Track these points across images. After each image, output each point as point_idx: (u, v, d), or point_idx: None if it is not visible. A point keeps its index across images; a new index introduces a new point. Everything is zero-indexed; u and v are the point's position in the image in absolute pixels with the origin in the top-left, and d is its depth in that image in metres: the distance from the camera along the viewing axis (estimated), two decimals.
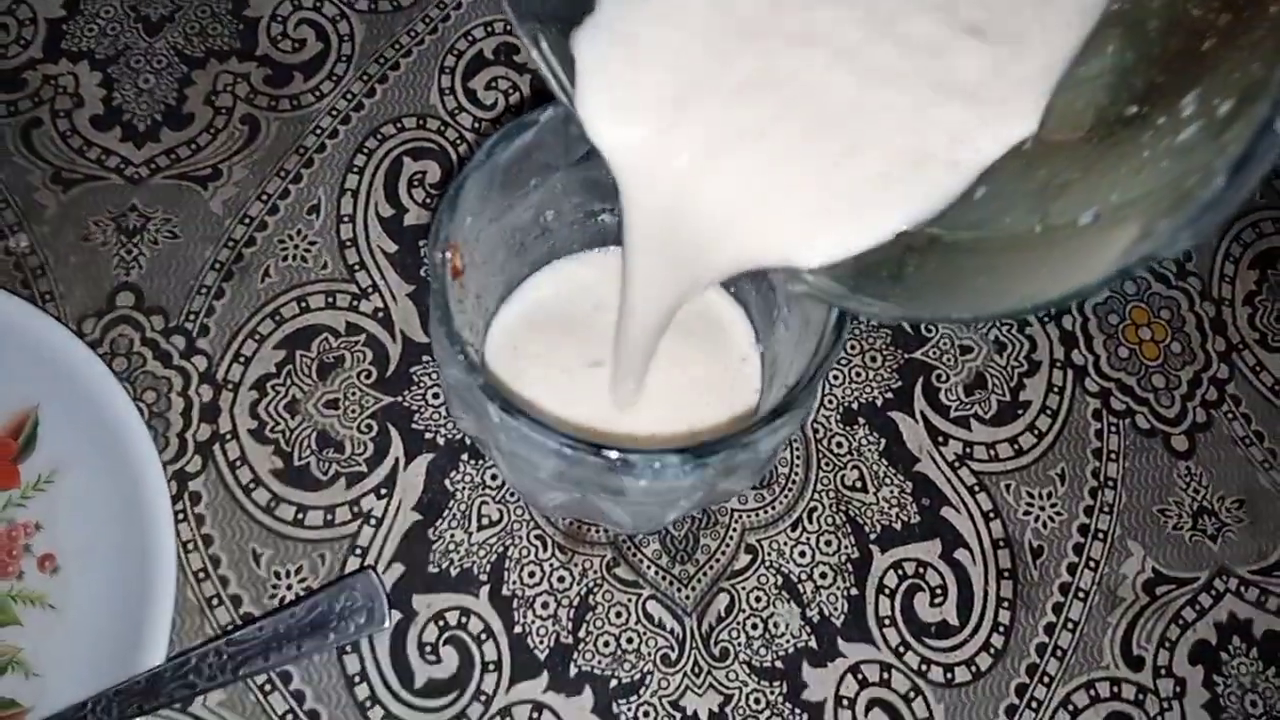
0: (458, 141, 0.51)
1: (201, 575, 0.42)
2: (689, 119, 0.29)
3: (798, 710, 0.42)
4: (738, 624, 0.43)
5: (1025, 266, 0.25)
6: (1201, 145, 0.21)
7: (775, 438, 0.31)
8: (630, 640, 0.42)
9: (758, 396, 0.40)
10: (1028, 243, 0.26)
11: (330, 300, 0.47)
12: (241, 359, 0.45)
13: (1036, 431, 0.47)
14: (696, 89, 0.28)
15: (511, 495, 0.44)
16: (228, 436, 0.44)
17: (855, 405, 0.47)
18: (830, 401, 0.47)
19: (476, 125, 0.51)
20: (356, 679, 0.41)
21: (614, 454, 0.30)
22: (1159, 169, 0.22)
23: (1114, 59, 0.26)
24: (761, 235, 0.29)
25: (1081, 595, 0.45)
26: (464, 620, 0.42)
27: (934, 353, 0.48)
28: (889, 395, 0.47)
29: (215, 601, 0.42)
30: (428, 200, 0.49)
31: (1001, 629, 0.44)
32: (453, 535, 0.43)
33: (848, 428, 0.46)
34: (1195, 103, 0.22)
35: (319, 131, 0.50)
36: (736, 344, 0.41)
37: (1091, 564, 0.45)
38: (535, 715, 0.41)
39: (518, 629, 0.42)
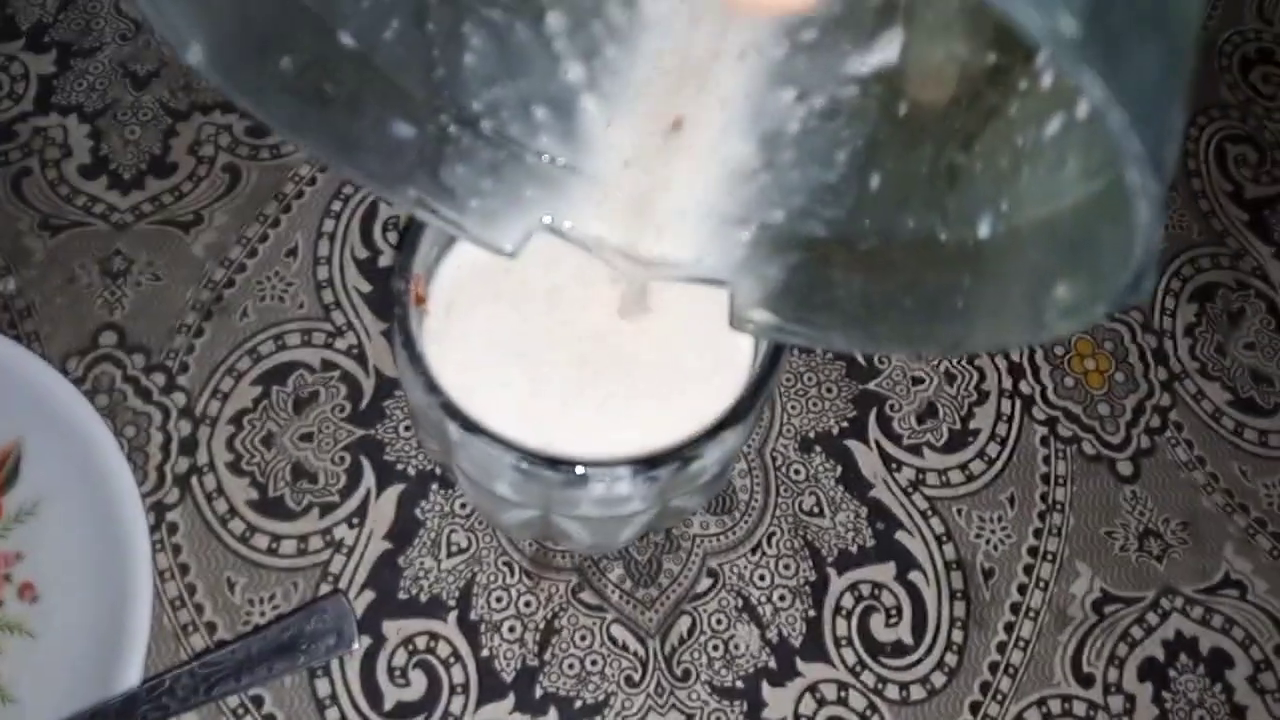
0: None
1: (178, 603, 0.43)
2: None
3: None
4: (699, 645, 0.44)
5: (946, 293, 0.27)
6: (1074, 177, 0.23)
7: (721, 449, 0.33)
8: (595, 662, 0.43)
9: None
10: (939, 257, 0.28)
11: (306, 338, 0.49)
12: (220, 395, 0.47)
13: (986, 458, 0.49)
14: None
15: (480, 523, 0.45)
16: (205, 469, 0.46)
17: (812, 434, 0.49)
18: (788, 430, 0.49)
19: None
20: (327, 702, 0.42)
21: (567, 467, 0.31)
22: (1038, 178, 0.24)
23: None
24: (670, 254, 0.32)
25: (1032, 615, 0.46)
26: (433, 644, 0.43)
27: (887, 384, 0.50)
28: (844, 424, 0.49)
29: (190, 628, 0.43)
30: (401, 243, 0.52)
31: (955, 648, 0.45)
32: (422, 563, 0.45)
33: (805, 455, 0.48)
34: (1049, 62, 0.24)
35: (298, 179, 0.53)
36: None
37: (1041, 584, 0.47)
38: None
39: (485, 652, 0.43)
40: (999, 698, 0.44)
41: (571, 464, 0.32)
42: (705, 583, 0.45)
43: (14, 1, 0.56)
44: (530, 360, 0.37)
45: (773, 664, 0.44)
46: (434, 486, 0.46)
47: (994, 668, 0.45)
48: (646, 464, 0.32)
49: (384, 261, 0.51)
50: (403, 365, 0.34)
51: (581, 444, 0.37)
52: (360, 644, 0.42)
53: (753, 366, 0.38)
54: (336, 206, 0.52)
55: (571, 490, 0.33)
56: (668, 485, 0.34)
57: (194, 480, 0.45)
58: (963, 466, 0.49)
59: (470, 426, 0.32)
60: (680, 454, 0.32)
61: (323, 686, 0.42)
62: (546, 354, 0.37)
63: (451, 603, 0.44)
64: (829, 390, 0.50)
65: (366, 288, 0.50)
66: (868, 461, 0.48)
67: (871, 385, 0.50)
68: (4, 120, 0.52)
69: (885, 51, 0.27)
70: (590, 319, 0.38)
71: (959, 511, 0.48)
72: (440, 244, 0.37)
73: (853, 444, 0.49)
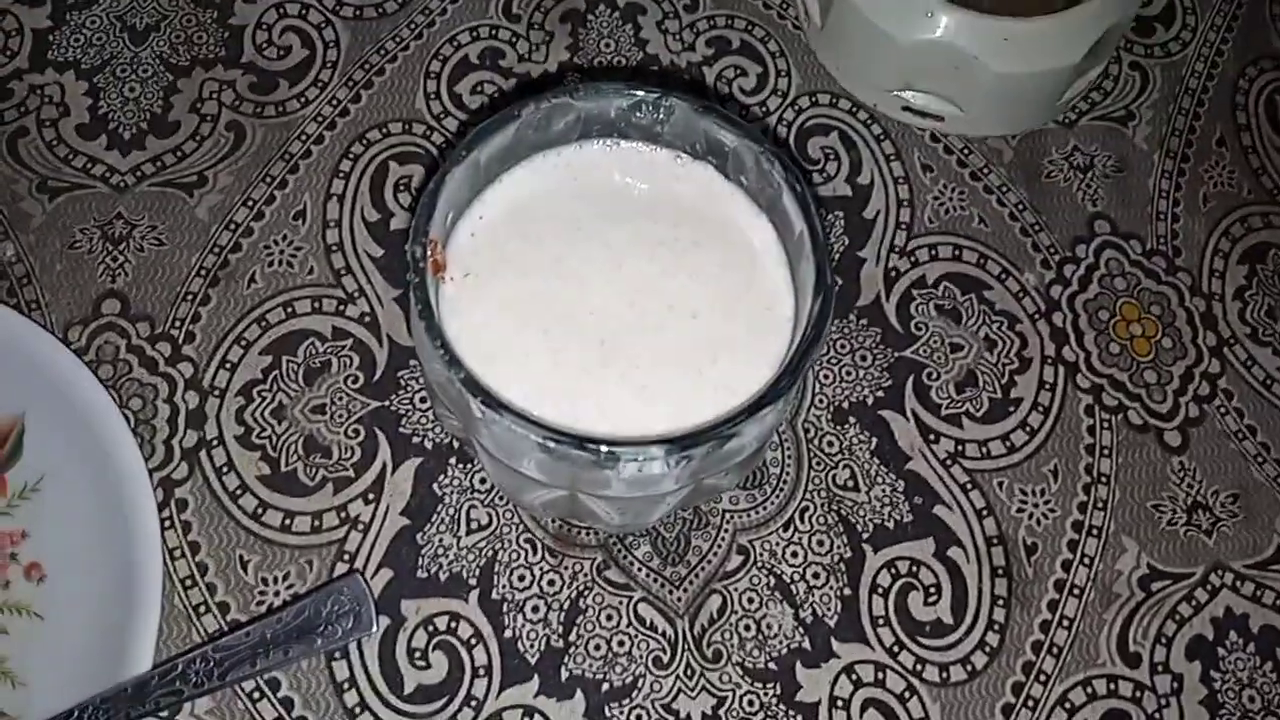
0: (444, 146, 0.51)
1: (188, 582, 0.42)
2: None
3: (792, 712, 0.41)
4: (730, 626, 0.42)
5: None
6: None
7: (759, 427, 0.31)
8: (622, 643, 0.42)
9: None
10: None
11: (317, 305, 0.47)
12: (228, 365, 0.45)
13: (1028, 428, 0.47)
14: None
15: (500, 499, 0.44)
16: (214, 443, 0.44)
17: (846, 404, 0.47)
18: (821, 401, 0.47)
19: (462, 129, 0.51)
20: (345, 685, 0.40)
21: (596, 447, 0.29)
22: None
23: None
24: None
25: (1076, 592, 0.44)
26: (453, 625, 0.42)
27: (924, 351, 0.48)
28: (880, 394, 0.47)
29: (202, 609, 0.41)
30: (414, 204, 0.49)
31: (997, 627, 0.43)
32: (441, 540, 0.43)
33: (838, 427, 0.46)
34: None
35: (304, 138, 0.50)
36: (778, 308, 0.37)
37: (1086, 561, 0.45)
38: None
39: (508, 633, 0.42)
40: (1042, 678, 0.43)
41: (601, 443, 0.30)
42: (735, 560, 0.43)
43: None
44: (551, 330, 0.35)
45: (807, 645, 0.42)
46: (452, 460, 0.44)
47: (1037, 647, 0.43)
48: (680, 443, 0.30)
49: (396, 224, 0.49)
50: (420, 338, 0.32)
51: (609, 418, 0.34)
52: (379, 625, 0.41)
53: (794, 332, 0.35)
54: (345, 166, 0.50)
55: (601, 470, 0.31)
56: (702, 464, 0.32)
57: (203, 454, 0.44)
58: (1004, 437, 0.47)
59: (493, 404, 0.30)
60: (717, 432, 0.30)
61: (341, 669, 0.40)
62: (567, 323, 0.35)
63: (472, 581, 0.42)
64: (864, 358, 0.48)
65: (378, 252, 0.48)
66: (904, 433, 0.46)
67: (908, 353, 0.48)
68: None
69: None
70: (612, 285, 0.36)
71: (1000, 485, 0.46)
72: (456, 207, 0.35)
73: (889, 414, 0.47)
